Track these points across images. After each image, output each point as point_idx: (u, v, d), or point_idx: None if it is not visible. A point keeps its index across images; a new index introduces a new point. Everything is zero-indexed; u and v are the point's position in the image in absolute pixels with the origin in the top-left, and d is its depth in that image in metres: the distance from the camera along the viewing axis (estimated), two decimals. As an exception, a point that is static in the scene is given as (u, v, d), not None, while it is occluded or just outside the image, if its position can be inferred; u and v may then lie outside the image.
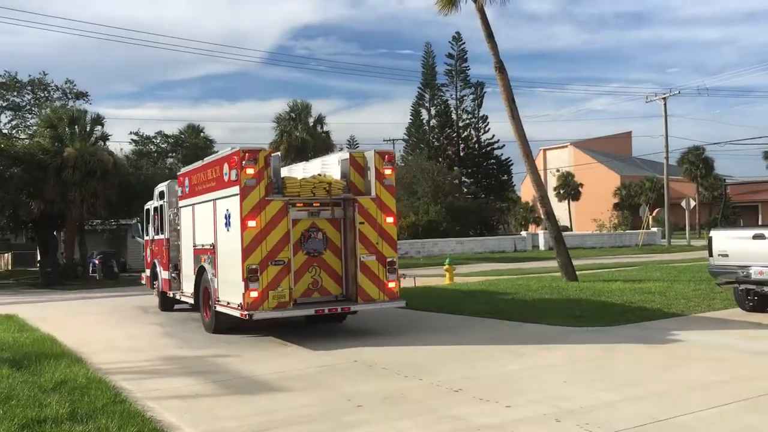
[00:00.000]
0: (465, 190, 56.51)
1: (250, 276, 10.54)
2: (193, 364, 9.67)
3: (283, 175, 11.59)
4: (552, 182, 66.35)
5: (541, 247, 43.55)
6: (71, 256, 32.58)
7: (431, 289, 18.33)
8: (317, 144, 37.16)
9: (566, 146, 75.20)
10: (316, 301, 11.20)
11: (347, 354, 9.84)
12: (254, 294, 10.53)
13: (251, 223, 10.57)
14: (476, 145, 57.78)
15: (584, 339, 10.35)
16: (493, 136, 57.90)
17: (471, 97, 57.72)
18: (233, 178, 10.89)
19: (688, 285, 16.28)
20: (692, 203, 45.81)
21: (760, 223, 61.09)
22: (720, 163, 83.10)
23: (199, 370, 9.21)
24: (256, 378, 8.54)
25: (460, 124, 57.53)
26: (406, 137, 58.30)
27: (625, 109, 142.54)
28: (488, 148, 57.83)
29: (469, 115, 57.72)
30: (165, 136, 38.45)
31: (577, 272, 19.19)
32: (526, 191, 67.03)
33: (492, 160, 58.12)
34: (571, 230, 60.42)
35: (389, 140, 76.52)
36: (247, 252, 10.56)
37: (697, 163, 61.75)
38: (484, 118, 57.82)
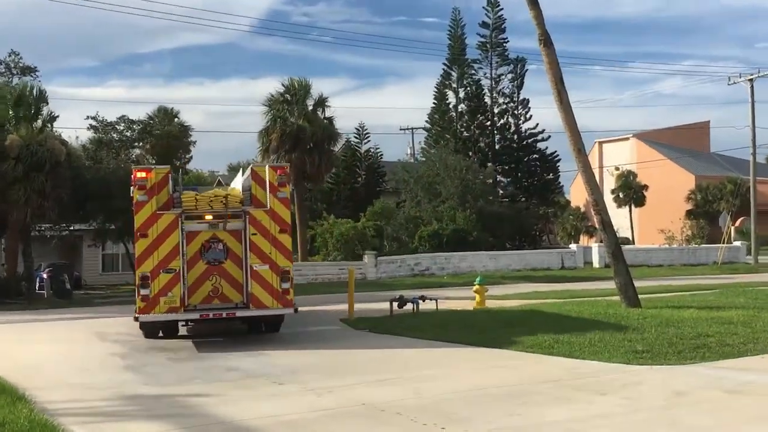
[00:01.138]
0: (501, 191, 56.29)
1: (141, 283, 14.24)
2: (162, 405, 9.70)
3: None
4: (610, 183, 66.12)
5: (595, 263, 43.33)
6: (14, 268, 32.79)
7: (457, 314, 18.32)
8: (317, 132, 37.24)
9: (627, 138, 74.92)
10: (216, 307, 14.76)
11: (352, 394, 9.83)
12: (145, 300, 14.25)
13: (143, 235, 14.31)
14: (515, 136, 57.61)
15: (647, 380, 10.29)
16: (537, 125, 57.65)
17: (509, 76, 57.54)
18: (131, 194, 14.73)
19: (780, 314, 16.14)
20: (785, 211, 45.54)
21: None
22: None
23: (169, 412, 9.23)
24: (239, 424, 8.56)
25: (496, 109, 57.37)
26: (428, 125, 58.28)
27: (702, 93, 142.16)
28: (530, 140, 57.62)
29: (507, 99, 57.56)
30: (130, 121, 38.73)
31: (640, 296, 19.05)
32: (576, 194, 66.78)
33: (534, 155, 57.89)
34: (633, 243, 60.16)
35: (407, 129, 76.82)
36: (139, 261, 14.34)
37: (792, 160, 61.51)
38: (526, 103, 57.65)
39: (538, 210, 56.58)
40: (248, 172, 15.34)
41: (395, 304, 19.61)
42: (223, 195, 15.15)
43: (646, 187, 63.96)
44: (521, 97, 57.89)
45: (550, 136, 58.21)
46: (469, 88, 56.47)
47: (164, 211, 14.59)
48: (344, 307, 20.04)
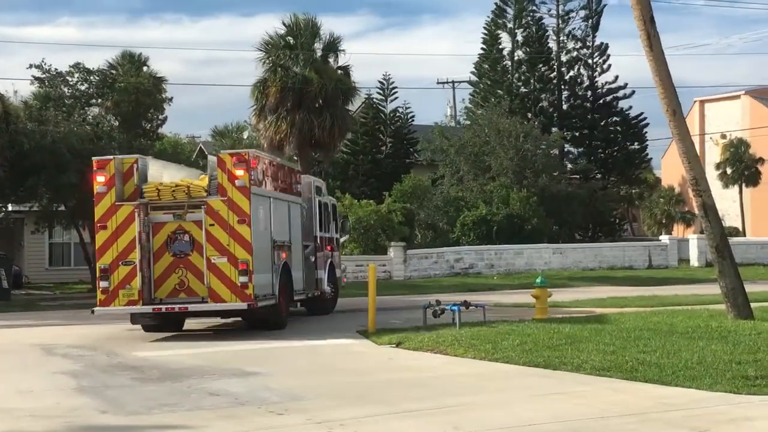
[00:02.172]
0: (569, 165, 56.08)
1: (101, 275, 18.24)
2: (126, 439, 9.78)
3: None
4: (714, 155, 65.65)
5: (694, 261, 43.12)
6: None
7: (511, 325, 18.32)
8: (328, 86, 37.22)
9: (738, 97, 74.25)
10: (175, 301, 18.49)
11: (373, 429, 9.87)
12: (105, 292, 18.15)
13: (102, 227, 18.26)
14: (589, 93, 57.36)
15: (763, 415, 10.27)
16: (617, 78, 57.43)
17: (582, 13, 57.30)
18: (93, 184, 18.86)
19: None
20: None
21: None
22: None
23: (135, 449, 9.31)
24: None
25: (564, 57, 57.15)
26: (474, 78, 58.15)
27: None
28: (609, 98, 57.36)
29: (579, 44, 57.30)
30: (86, 71, 38.85)
31: (754, 305, 19.00)
32: (669, 169, 66.35)
33: (615, 118, 57.65)
34: (744, 234, 59.73)
35: (447, 83, 76.59)
36: (99, 253, 18.36)
37: None
38: (604, 49, 57.35)
39: (618, 190, 56.33)
40: (212, 159, 19.25)
41: (430, 312, 19.63)
42: (186, 184, 18.64)
43: (761, 160, 63.29)
44: (597, 42, 57.58)
45: (634, 92, 57.91)
46: (528, 30, 56.24)
47: (125, 202, 18.39)
48: (362, 314, 20.07)
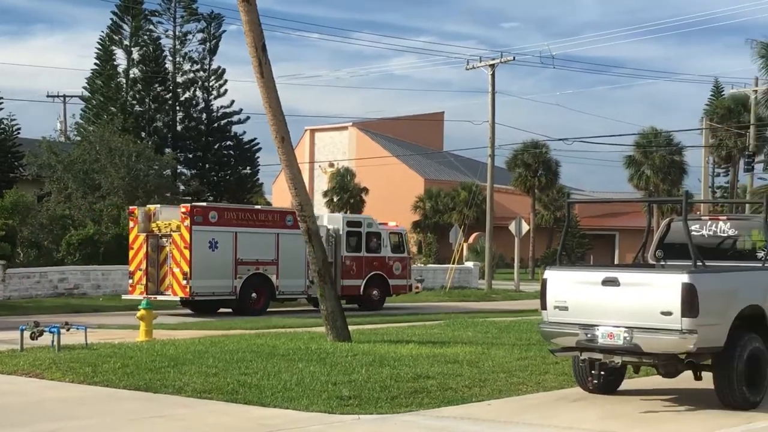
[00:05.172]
0: (182, 187, 56.01)
1: (129, 276, 29.78)
2: None
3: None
4: (322, 183, 68.17)
5: (300, 284, 44.20)
6: None
7: (114, 348, 17.96)
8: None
9: (346, 128, 77.61)
10: (156, 293, 28.51)
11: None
12: (131, 286, 29.38)
13: (132, 247, 29.50)
14: (204, 116, 57.71)
15: (353, 434, 10.68)
16: (233, 102, 58.30)
17: (199, 36, 57.58)
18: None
19: (511, 351, 17.49)
20: (524, 227, 49.08)
21: (615, 261, 67.25)
22: (568, 170, 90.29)
23: None
24: None
25: (180, 79, 57.11)
26: (88, 92, 56.66)
27: (438, 77, 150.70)
28: (223, 122, 58.04)
29: (195, 66, 57.54)
30: None
31: (351, 327, 19.76)
32: (280, 194, 68.12)
33: (228, 142, 58.38)
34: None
35: (57, 96, 74.07)
36: (130, 263, 29.80)
37: (534, 166, 66.78)
38: (220, 73, 57.97)
39: (230, 213, 56.95)
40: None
41: (27, 334, 18.81)
42: (169, 223, 28.51)
43: (365, 190, 66.39)
44: (215, 66, 58.12)
45: (249, 118, 59.13)
46: (145, 48, 55.79)
47: (140, 233, 28.81)
48: None
